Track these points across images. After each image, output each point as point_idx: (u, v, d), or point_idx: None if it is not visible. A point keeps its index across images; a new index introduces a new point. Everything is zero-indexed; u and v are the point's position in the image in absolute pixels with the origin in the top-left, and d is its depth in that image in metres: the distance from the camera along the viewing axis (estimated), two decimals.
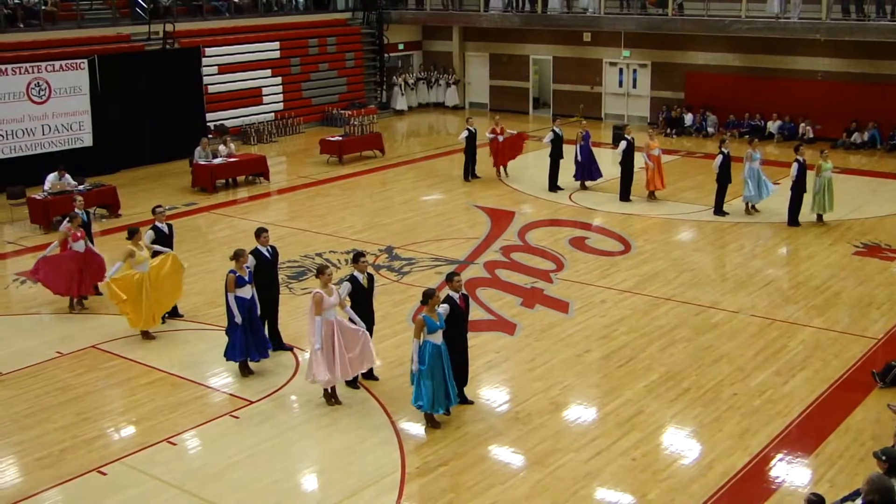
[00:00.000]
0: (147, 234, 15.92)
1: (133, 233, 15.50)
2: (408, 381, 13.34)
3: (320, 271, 13.06)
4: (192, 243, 20.50)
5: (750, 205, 22.30)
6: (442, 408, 12.27)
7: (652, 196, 23.74)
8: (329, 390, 13.09)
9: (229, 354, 13.97)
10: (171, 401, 13.34)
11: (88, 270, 16.77)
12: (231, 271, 13.69)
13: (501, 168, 26.60)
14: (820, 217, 21.38)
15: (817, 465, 11.47)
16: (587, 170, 24.90)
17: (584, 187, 25.02)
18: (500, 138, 26.07)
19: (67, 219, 16.94)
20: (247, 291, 13.79)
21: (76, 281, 16.65)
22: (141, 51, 29.42)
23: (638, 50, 34.37)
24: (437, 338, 12.02)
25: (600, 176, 25.08)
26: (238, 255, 13.72)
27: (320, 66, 35.23)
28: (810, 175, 21.03)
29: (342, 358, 12.78)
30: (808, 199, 21.20)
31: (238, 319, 13.66)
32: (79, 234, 16.65)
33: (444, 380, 12.12)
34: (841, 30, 28.75)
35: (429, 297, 12.01)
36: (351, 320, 13.01)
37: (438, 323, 11.97)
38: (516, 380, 13.90)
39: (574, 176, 25.06)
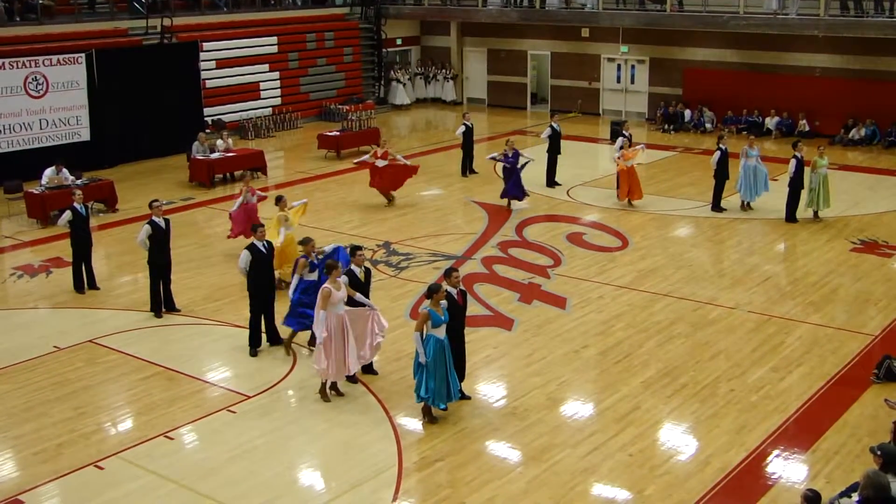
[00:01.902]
0: (144, 229, 15.94)
1: (279, 199, 17.24)
2: (405, 375, 13.43)
3: (330, 267, 12.96)
4: (190, 238, 20.49)
5: (745, 202, 22.28)
6: (443, 403, 12.28)
7: (630, 203, 22.97)
8: (326, 384, 13.09)
9: (288, 322, 14.42)
10: (169, 395, 13.34)
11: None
12: (303, 256, 14.04)
13: (391, 193, 23.25)
14: (816, 214, 21.38)
15: (814, 461, 11.48)
16: (511, 190, 22.42)
17: (508, 206, 22.74)
18: (380, 163, 22.68)
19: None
20: (314, 276, 13.94)
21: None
22: (139, 45, 29.37)
23: (636, 46, 34.35)
24: (441, 332, 12.03)
25: (523, 197, 22.62)
26: (306, 241, 14.19)
27: (318, 61, 35.19)
28: (808, 171, 21.04)
29: (352, 353, 12.80)
30: (804, 195, 21.21)
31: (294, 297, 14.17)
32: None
33: (445, 375, 12.13)
34: (839, 26, 28.75)
35: (434, 291, 12.02)
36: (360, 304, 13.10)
37: (443, 317, 11.98)
38: (514, 375, 13.91)
39: (501, 195, 22.71)
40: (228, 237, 19.25)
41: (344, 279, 13.19)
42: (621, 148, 22.83)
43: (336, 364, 12.75)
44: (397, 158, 23.16)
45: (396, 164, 22.99)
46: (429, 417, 12.43)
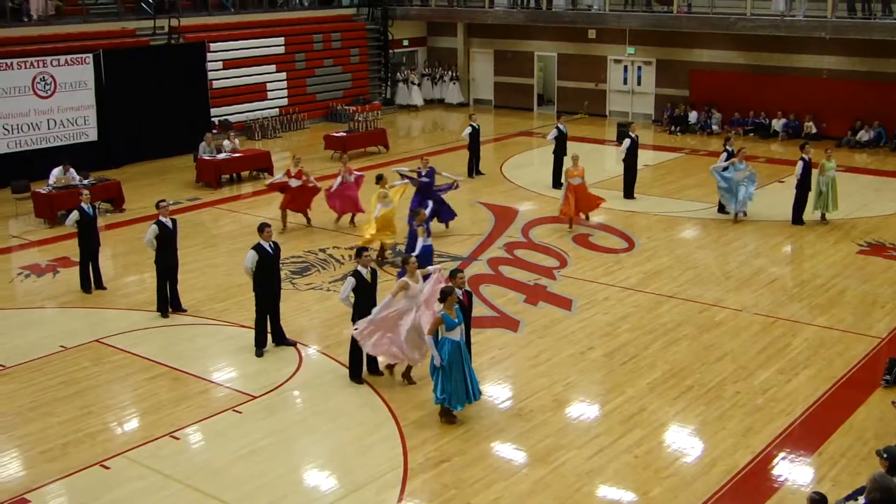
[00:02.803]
0: (151, 229, 15.97)
1: (380, 178, 19.21)
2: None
3: (405, 261, 13.42)
4: (196, 238, 20.53)
5: (736, 213, 21.65)
6: (460, 405, 12.25)
7: (586, 218, 21.53)
8: (410, 371, 13.42)
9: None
10: (175, 395, 13.36)
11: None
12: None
13: (306, 213, 21.58)
14: (823, 216, 21.33)
15: (820, 464, 11.46)
16: (445, 213, 20.82)
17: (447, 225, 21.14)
18: (293, 183, 20.94)
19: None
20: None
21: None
22: (146, 46, 29.41)
23: (643, 47, 34.33)
24: (455, 334, 12.05)
25: (452, 217, 20.98)
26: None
27: (325, 62, 35.22)
28: (815, 173, 20.99)
29: (396, 340, 13.03)
30: (811, 197, 21.16)
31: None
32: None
33: (463, 377, 12.13)
34: (846, 28, 28.70)
35: (447, 294, 12.04)
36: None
37: (456, 320, 11.98)
38: (519, 376, 13.91)
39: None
40: (339, 215, 21.45)
41: (351, 282, 13.23)
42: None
43: (377, 340, 13.09)
44: (310, 179, 21.17)
45: (308, 186, 21.15)
46: (447, 418, 12.43)
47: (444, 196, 20.74)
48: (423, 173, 20.25)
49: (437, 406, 12.48)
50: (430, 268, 14.07)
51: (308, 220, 21.44)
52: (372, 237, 18.43)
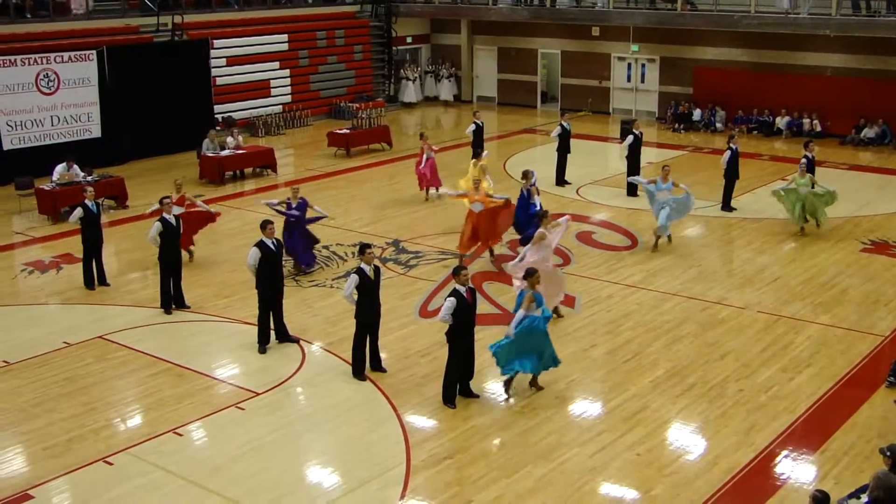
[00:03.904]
0: (155, 226, 15.99)
1: (476, 155, 21.45)
2: (414, 373, 13.68)
3: (542, 216, 15.81)
4: (199, 235, 20.49)
5: (657, 235, 19.65)
6: (529, 364, 12.90)
7: (491, 254, 18.97)
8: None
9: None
10: (178, 392, 13.38)
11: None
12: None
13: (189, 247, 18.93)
14: (802, 229, 20.26)
15: (823, 462, 11.46)
16: (303, 257, 18.23)
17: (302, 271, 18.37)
18: (175, 210, 17.39)
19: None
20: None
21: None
22: (150, 42, 29.45)
23: (646, 45, 34.29)
24: (538, 311, 12.80)
25: (311, 262, 18.42)
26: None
27: (328, 59, 35.23)
28: (820, 172, 20.94)
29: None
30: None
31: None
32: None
33: (534, 348, 12.78)
34: (851, 25, 28.65)
35: (531, 274, 12.85)
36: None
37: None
38: (522, 374, 13.88)
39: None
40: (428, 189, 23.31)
41: (354, 279, 13.23)
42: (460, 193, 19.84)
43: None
44: (196, 203, 19.01)
45: (194, 211, 18.77)
46: (507, 388, 13.10)
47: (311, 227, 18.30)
48: (294, 206, 17.98)
49: (441, 403, 12.58)
50: (561, 219, 16.49)
51: (190, 255, 18.73)
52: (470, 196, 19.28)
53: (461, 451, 11.72)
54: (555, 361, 13.17)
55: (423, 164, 23.26)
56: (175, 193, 18.34)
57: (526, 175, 18.83)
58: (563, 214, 17.95)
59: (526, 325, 12.68)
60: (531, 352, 12.85)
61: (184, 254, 17.50)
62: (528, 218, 18.04)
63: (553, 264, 15.80)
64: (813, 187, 20.01)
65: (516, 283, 15.39)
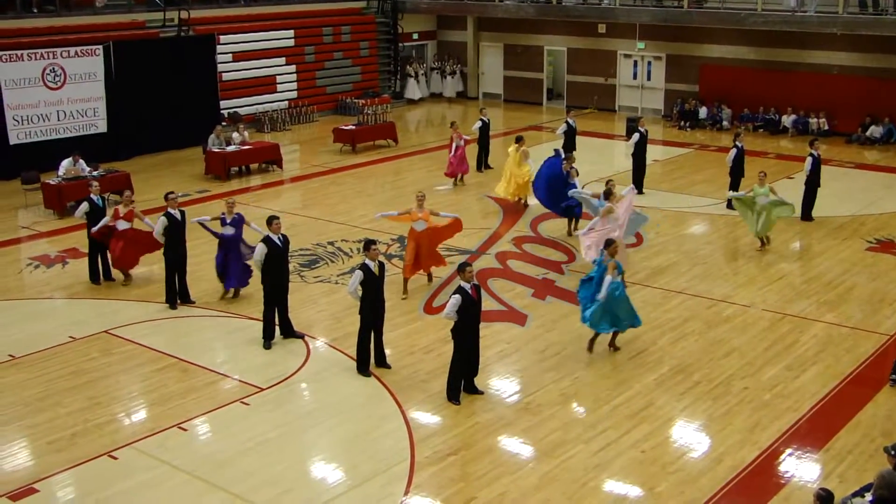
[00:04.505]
0: (160, 221, 16.00)
1: (519, 139, 22.49)
2: (418, 370, 13.70)
3: (609, 192, 17.35)
4: (204, 230, 20.50)
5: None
6: (604, 328, 14.12)
7: (429, 279, 17.52)
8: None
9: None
10: (183, 387, 13.40)
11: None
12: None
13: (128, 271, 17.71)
14: (762, 242, 19.25)
15: (827, 461, 11.46)
16: (233, 278, 16.60)
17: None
18: (121, 225, 17.09)
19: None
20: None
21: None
22: (156, 38, 29.45)
23: (653, 42, 34.26)
24: (619, 277, 14.11)
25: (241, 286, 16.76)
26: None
27: (335, 55, 35.23)
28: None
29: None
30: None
31: None
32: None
33: (618, 310, 13.96)
34: (857, 24, 28.59)
35: (610, 244, 14.23)
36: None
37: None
38: (527, 370, 13.92)
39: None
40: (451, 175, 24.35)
41: (359, 275, 13.24)
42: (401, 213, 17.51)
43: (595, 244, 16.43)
44: (143, 220, 17.20)
45: (141, 231, 17.26)
46: (590, 345, 14.35)
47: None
48: (228, 221, 16.40)
49: (445, 400, 12.65)
50: (624, 191, 17.76)
51: (128, 276, 17.55)
52: (512, 193, 22.02)
53: (465, 448, 11.73)
54: (637, 321, 14.33)
55: (452, 153, 24.20)
56: (123, 207, 17.17)
57: (567, 158, 20.46)
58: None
59: (612, 290, 13.79)
60: (616, 314, 14.00)
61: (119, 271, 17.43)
62: (564, 194, 19.82)
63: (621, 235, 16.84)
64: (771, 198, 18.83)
65: (584, 251, 17.14)
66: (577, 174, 20.07)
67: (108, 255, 17.50)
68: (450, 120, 34.75)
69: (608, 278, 13.82)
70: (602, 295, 13.80)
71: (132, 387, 13.58)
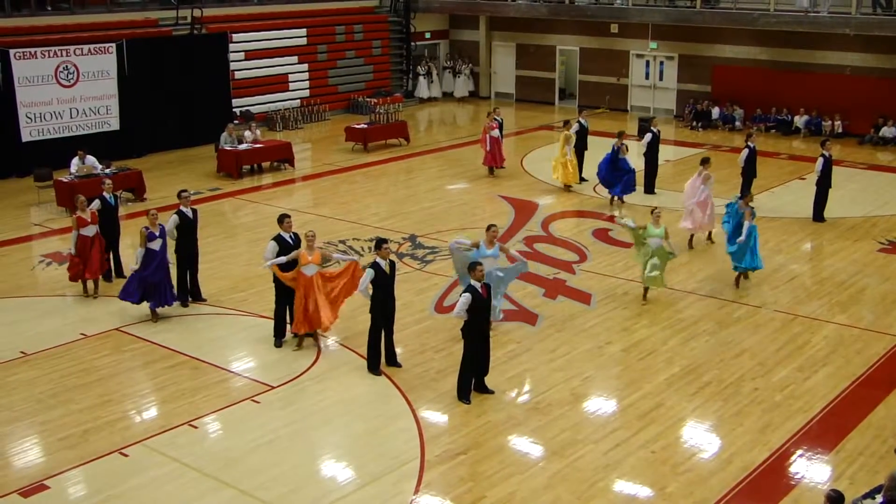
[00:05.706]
0: (172, 219, 16.01)
1: (567, 122, 24.73)
2: (429, 368, 13.77)
3: (705, 160, 19.67)
4: (216, 228, 20.61)
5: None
6: (743, 267, 17.08)
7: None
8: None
9: None
10: (193, 384, 13.44)
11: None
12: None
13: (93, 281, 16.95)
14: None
15: (838, 462, 11.43)
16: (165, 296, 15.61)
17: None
18: (90, 231, 16.51)
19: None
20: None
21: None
22: (169, 36, 29.52)
23: (665, 42, 34.20)
24: (754, 220, 17.05)
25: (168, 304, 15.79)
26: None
27: (347, 54, 35.28)
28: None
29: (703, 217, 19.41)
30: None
31: None
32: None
33: (752, 249, 16.94)
34: (870, 24, 28.48)
35: (744, 195, 17.91)
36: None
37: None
38: (537, 370, 13.92)
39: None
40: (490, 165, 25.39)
41: (370, 274, 13.25)
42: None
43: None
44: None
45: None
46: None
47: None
48: (156, 234, 15.38)
49: (455, 399, 12.73)
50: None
51: (95, 285, 17.01)
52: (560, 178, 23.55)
53: (475, 447, 11.74)
54: (760, 263, 17.11)
55: (487, 143, 25.12)
56: (81, 212, 16.42)
57: (620, 134, 22.42)
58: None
59: (749, 231, 16.69)
60: (750, 252, 16.82)
61: (91, 282, 16.82)
62: (614, 175, 22.24)
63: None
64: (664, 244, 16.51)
65: (685, 223, 19.55)
66: (627, 150, 22.39)
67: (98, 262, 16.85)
68: (460, 119, 34.85)
69: (746, 223, 16.74)
70: (742, 238, 16.71)
71: (143, 384, 13.63)
